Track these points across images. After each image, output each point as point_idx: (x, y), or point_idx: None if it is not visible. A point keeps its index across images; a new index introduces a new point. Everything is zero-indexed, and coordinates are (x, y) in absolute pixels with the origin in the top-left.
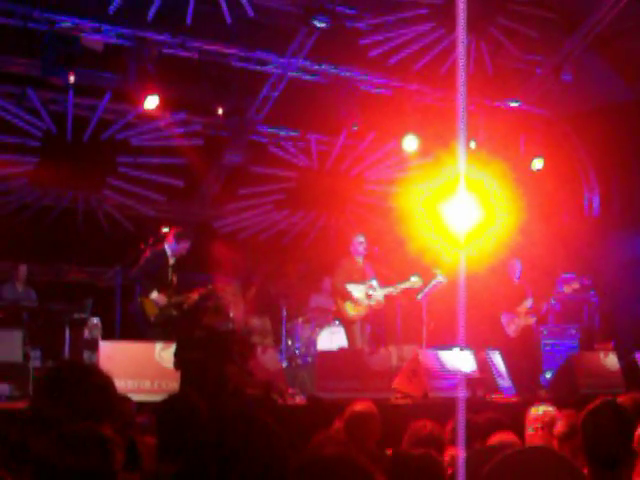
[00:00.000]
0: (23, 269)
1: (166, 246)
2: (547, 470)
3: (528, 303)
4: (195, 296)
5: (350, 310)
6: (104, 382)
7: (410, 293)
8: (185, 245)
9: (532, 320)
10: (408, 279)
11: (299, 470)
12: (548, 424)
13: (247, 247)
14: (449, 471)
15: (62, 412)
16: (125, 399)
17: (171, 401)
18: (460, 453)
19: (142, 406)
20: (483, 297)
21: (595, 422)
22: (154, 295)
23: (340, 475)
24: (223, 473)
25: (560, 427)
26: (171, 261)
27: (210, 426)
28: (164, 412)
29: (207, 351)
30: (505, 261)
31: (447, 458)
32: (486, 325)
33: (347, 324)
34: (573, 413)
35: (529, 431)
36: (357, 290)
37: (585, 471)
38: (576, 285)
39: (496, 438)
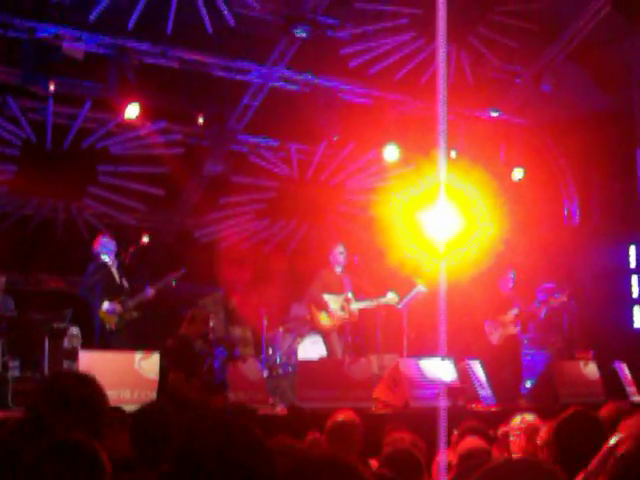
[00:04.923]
0: (1, 279)
1: (101, 256)
2: None
3: (513, 312)
4: (152, 291)
5: (323, 320)
6: (101, 392)
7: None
8: (107, 242)
9: (516, 329)
10: (385, 295)
11: (293, 473)
12: (529, 432)
13: (228, 256)
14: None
15: (63, 421)
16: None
17: (143, 410)
18: (442, 460)
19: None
20: (464, 306)
21: (567, 432)
22: (105, 305)
23: (336, 476)
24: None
25: (544, 435)
26: (114, 267)
27: (185, 434)
28: (136, 422)
29: (170, 360)
30: (497, 272)
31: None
32: (468, 333)
33: (326, 334)
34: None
35: (511, 439)
36: (333, 301)
37: None
38: (564, 298)
39: (466, 444)
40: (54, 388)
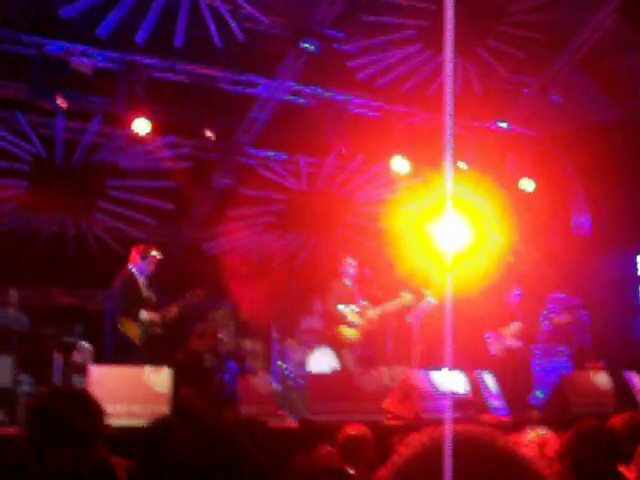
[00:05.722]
0: (14, 294)
1: (132, 268)
2: None
3: (516, 326)
4: (175, 308)
5: (347, 332)
6: (95, 406)
7: (400, 314)
8: (153, 260)
9: (517, 343)
10: (399, 296)
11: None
12: (543, 447)
13: (237, 269)
14: None
15: (55, 437)
16: None
17: (150, 425)
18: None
19: (132, 430)
20: (474, 317)
21: (582, 442)
22: (144, 315)
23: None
24: None
25: (551, 448)
26: (142, 280)
27: (189, 451)
28: (144, 435)
29: (182, 375)
30: (506, 283)
31: None
32: (475, 345)
33: (337, 346)
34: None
35: None
36: (350, 312)
37: None
38: (567, 317)
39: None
40: (43, 409)
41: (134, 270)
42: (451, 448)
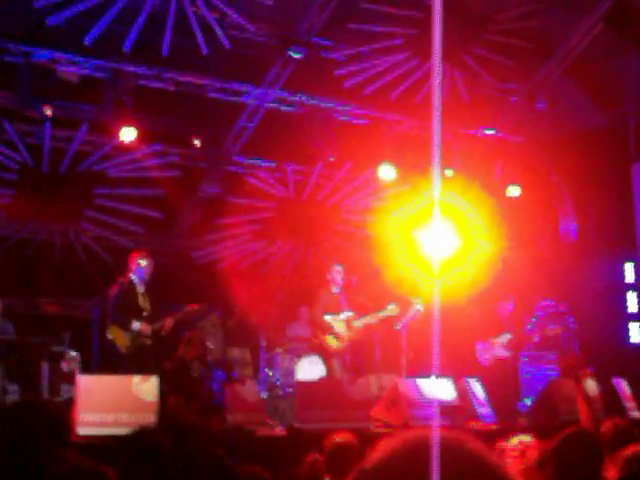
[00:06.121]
0: None
1: (131, 275)
2: None
3: (506, 337)
4: (171, 321)
5: (332, 343)
6: (58, 419)
7: (388, 322)
8: (149, 264)
9: (506, 354)
10: (385, 308)
11: None
12: (523, 453)
13: (226, 277)
14: None
15: (18, 449)
16: None
17: (136, 434)
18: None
19: (120, 439)
20: (461, 325)
21: (566, 450)
22: (136, 325)
23: None
24: None
25: (533, 456)
26: (140, 289)
27: (174, 461)
28: (128, 445)
29: (169, 384)
30: (495, 290)
31: None
32: (464, 352)
33: (326, 354)
34: (547, 443)
35: (508, 460)
36: (336, 322)
37: None
38: (558, 330)
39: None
40: (12, 419)
41: (134, 278)
42: (416, 453)
